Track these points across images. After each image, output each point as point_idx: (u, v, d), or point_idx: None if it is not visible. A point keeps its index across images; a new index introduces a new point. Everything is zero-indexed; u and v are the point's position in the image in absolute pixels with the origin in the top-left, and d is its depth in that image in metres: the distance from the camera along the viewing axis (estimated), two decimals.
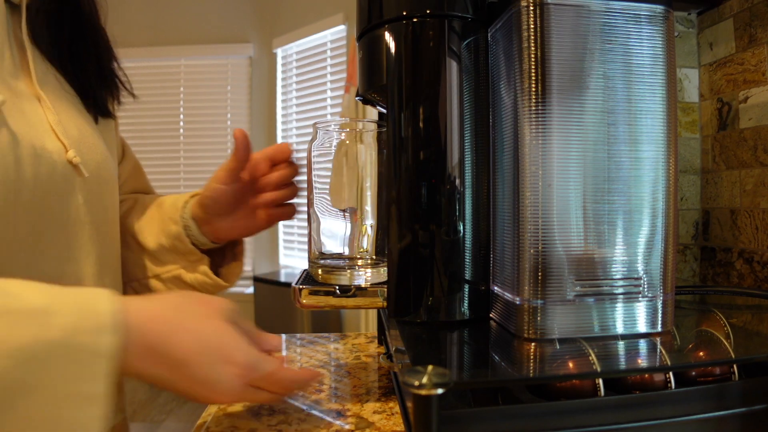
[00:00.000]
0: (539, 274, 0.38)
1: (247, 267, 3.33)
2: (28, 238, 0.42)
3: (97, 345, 0.31)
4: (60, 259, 0.45)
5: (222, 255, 0.61)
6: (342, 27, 2.62)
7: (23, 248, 0.42)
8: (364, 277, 0.49)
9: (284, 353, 0.67)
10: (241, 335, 0.38)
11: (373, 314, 2.15)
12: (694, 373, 0.35)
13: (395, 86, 0.42)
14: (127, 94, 0.57)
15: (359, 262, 0.52)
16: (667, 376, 0.34)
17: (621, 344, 0.38)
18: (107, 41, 0.54)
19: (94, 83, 0.52)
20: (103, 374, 0.31)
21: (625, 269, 0.39)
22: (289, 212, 0.58)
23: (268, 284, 2.82)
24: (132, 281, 0.59)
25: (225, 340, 0.37)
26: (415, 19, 0.42)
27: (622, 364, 0.37)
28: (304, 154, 0.53)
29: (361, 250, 0.52)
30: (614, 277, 0.39)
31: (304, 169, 0.55)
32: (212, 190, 0.54)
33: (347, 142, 0.52)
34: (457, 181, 0.42)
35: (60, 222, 0.45)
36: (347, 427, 0.43)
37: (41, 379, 0.30)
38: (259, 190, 0.56)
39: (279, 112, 3.08)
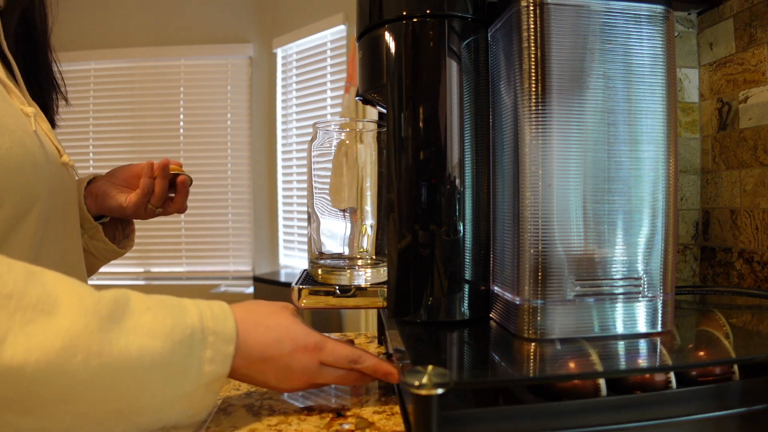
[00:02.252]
0: (539, 274, 0.38)
1: (247, 267, 3.33)
2: (37, 236, 0.45)
3: (225, 329, 0.36)
4: (59, 252, 0.50)
5: (113, 232, 0.65)
6: (342, 27, 2.62)
7: (32, 248, 0.45)
8: (364, 277, 0.49)
9: None
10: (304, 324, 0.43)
11: (373, 314, 2.15)
12: (694, 373, 0.35)
13: (395, 86, 0.42)
14: (62, 98, 0.60)
15: (359, 262, 0.52)
16: (668, 376, 0.34)
17: (621, 344, 0.38)
18: (51, 50, 0.57)
19: (50, 91, 0.57)
20: (229, 356, 0.36)
21: (625, 269, 0.39)
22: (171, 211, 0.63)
23: (268, 284, 2.82)
24: None
25: (294, 329, 0.40)
26: (415, 19, 0.42)
27: (623, 364, 0.37)
28: (304, 154, 0.53)
29: (361, 250, 0.52)
30: (614, 277, 0.39)
31: (304, 169, 0.55)
32: (111, 199, 0.59)
33: (347, 142, 0.52)
34: (457, 181, 0.42)
35: (62, 219, 0.50)
36: (347, 427, 0.43)
37: (189, 361, 0.34)
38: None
39: (279, 112, 3.08)
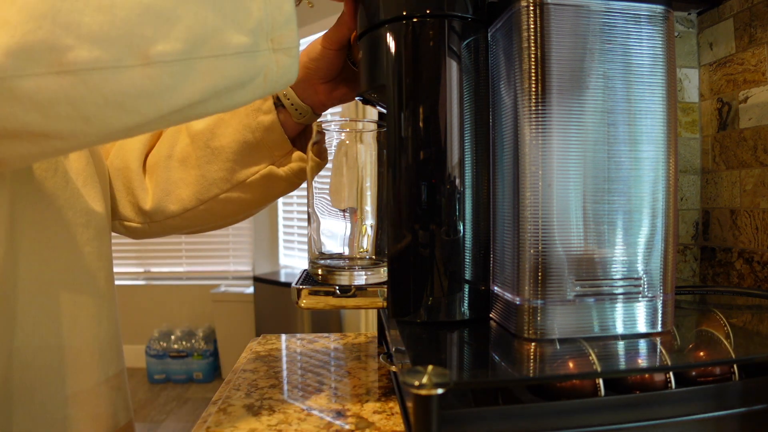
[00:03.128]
0: (539, 274, 0.38)
1: (247, 267, 3.33)
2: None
3: None
4: None
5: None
6: None
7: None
8: (364, 277, 0.49)
9: (284, 353, 0.67)
10: None
11: (373, 314, 2.15)
12: (694, 373, 0.35)
13: (395, 86, 0.42)
14: None
15: (359, 262, 0.52)
16: (668, 376, 0.34)
17: (621, 344, 0.38)
18: None
19: None
20: None
21: (625, 269, 0.39)
22: None
23: (268, 284, 2.82)
24: (201, 203, 0.56)
25: None
26: (415, 19, 0.42)
27: (623, 364, 0.37)
28: None
29: (361, 250, 0.52)
30: (614, 277, 0.39)
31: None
32: (317, 52, 0.52)
33: (347, 142, 0.52)
34: (457, 181, 0.42)
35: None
36: (347, 427, 0.43)
37: None
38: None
39: None
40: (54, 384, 0.45)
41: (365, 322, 2.28)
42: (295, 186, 0.57)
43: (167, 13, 0.29)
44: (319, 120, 0.54)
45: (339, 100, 0.55)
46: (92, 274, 0.49)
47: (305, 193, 0.54)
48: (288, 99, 0.53)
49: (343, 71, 0.54)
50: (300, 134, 0.57)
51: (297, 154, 0.55)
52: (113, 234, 0.59)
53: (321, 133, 0.52)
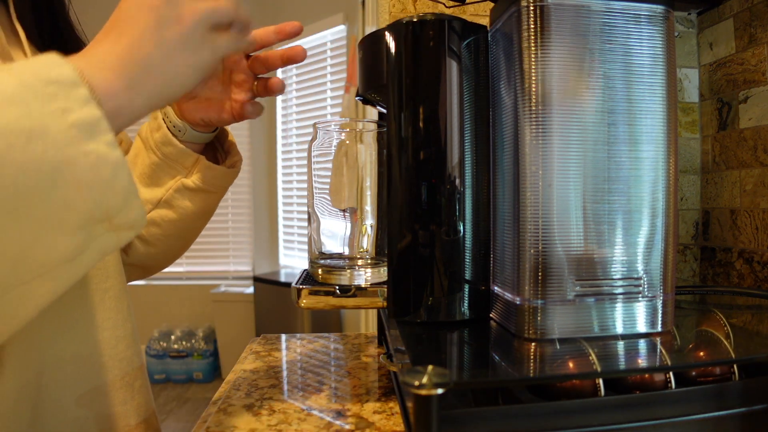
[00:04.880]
0: (539, 274, 0.38)
1: (247, 267, 3.33)
2: None
3: (59, 76, 0.28)
4: None
5: (213, 154, 0.58)
6: (342, 27, 2.62)
7: None
8: (364, 277, 0.49)
9: (284, 353, 0.67)
10: None
11: (373, 314, 2.15)
12: (694, 373, 0.35)
13: (395, 86, 0.42)
14: None
15: (359, 262, 0.52)
16: (667, 376, 0.34)
17: (621, 344, 0.38)
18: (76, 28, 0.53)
19: None
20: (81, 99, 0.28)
21: (625, 269, 0.39)
22: (257, 111, 0.52)
23: (268, 284, 2.82)
24: None
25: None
26: (415, 19, 0.42)
27: (622, 364, 0.37)
28: (304, 154, 0.53)
29: (361, 250, 0.52)
30: (614, 277, 0.39)
31: (304, 169, 0.54)
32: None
33: (347, 142, 0.52)
34: (457, 181, 0.42)
35: None
36: (347, 427, 0.43)
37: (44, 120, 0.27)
38: (235, 82, 0.51)
39: (279, 111, 3.08)
40: (79, 395, 0.46)
41: (365, 322, 2.28)
42: (211, 195, 0.56)
43: None
44: (319, 120, 0.54)
45: (201, 116, 0.52)
46: (108, 287, 0.50)
47: (305, 193, 0.54)
48: (167, 117, 0.53)
49: (207, 89, 0.51)
50: (213, 144, 0.57)
51: (202, 162, 0.54)
52: None
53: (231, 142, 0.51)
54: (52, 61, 0.29)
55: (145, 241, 0.58)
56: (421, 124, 0.42)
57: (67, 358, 0.45)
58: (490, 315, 0.45)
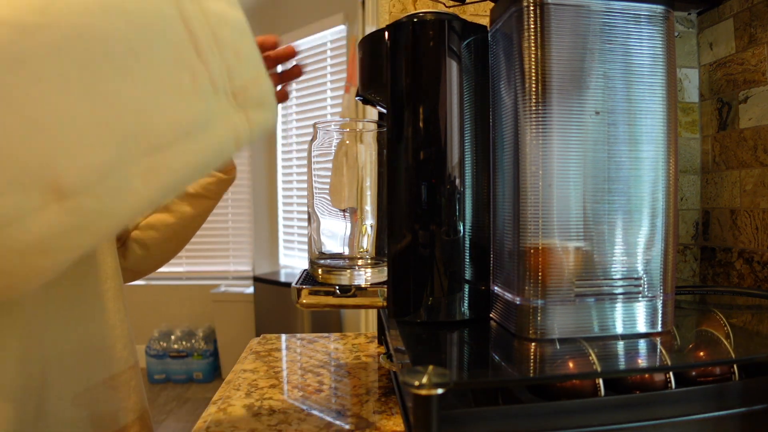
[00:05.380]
0: (539, 274, 0.38)
1: (247, 267, 3.33)
2: None
3: None
4: None
5: None
6: (342, 27, 2.62)
7: None
8: (364, 277, 0.49)
9: (284, 353, 0.67)
10: None
11: (373, 314, 2.15)
12: (694, 373, 0.35)
13: (395, 86, 0.42)
14: None
15: (359, 262, 0.52)
16: (667, 376, 0.34)
17: (621, 344, 0.38)
18: None
19: None
20: None
21: (625, 269, 0.39)
22: (286, 97, 0.52)
23: (268, 284, 2.82)
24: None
25: None
26: (415, 19, 0.42)
27: (622, 364, 0.37)
28: (304, 154, 0.53)
29: (361, 249, 0.52)
30: (614, 277, 0.39)
31: (304, 169, 0.54)
32: None
33: (347, 142, 0.52)
34: (457, 181, 0.42)
35: None
36: (347, 427, 0.43)
37: None
38: None
39: (279, 111, 3.08)
40: (79, 394, 0.46)
41: (365, 322, 2.28)
42: (209, 201, 0.57)
43: (69, 120, 0.22)
44: (319, 120, 0.54)
45: None
46: (106, 289, 0.50)
47: (305, 193, 0.54)
48: None
49: None
50: None
51: None
52: None
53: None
54: None
55: (143, 244, 0.59)
56: (421, 124, 0.42)
57: (69, 355, 0.45)
58: (490, 315, 0.45)
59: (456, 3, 0.53)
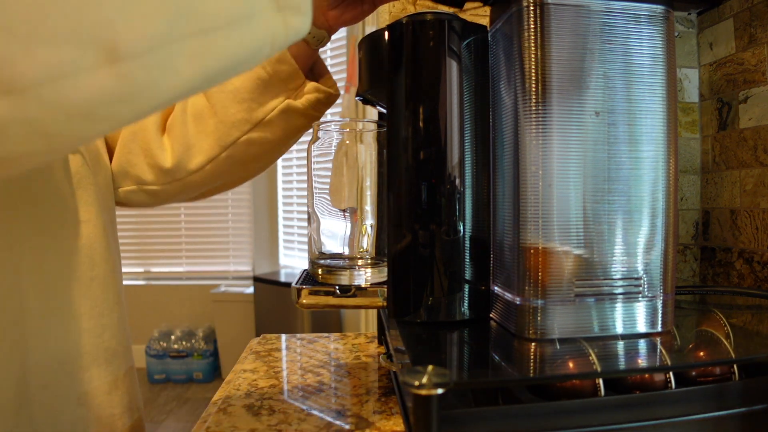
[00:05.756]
0: (539, 274, 0.38)
1: (247, 267, 3.33)
2: None
3: None
4: None
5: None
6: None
7: None
8: (364, 277, 0.49)
9: (284, 353, 0.67)
10: None
11: (373, 314, 2.15)
12: (694, 373, 0.35)
13: (395, 86, 0.42)
14: None
15: (359, 262, 0.52)
16: (667, 376, 0.34)
17: (621, 344, 0.38)
18: None
19: None
20: None
21: (625, 269, 0.39)
22: None
23: (268, 284, 2.82)
24: (223, 149, 0.54)
25: None
26: (415, 19, 0.42)
27: (622, 364, 0.37)
28: (304, 154, 0.53)
29: (361, 250, 0.52)
30: (614, 277, 0.39)
31: (304, 169, 0.54)
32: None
33: (347, 142, 0.52)
34: (457, 181, 0.42)
35: None
36: (347, 427, 0.43)
37: None
38: None
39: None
40: (65, 385, 0.46)
41: (365, 322, 2.28)
42: (312, 119, 0.55)
43: None
44: (318, 120, 0.54)
45: (349, 22, 0.54)
46: (94, 276, 0.50)
47: (305, 193, 0.54)
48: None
49: None
50: (311, 68, 0.56)
51: (311, 85, 0.54)
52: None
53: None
54: None
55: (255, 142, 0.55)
56: (421, 124, 0.42)
57: (51, 347, 0.45)
58: (490, 315, 0.45)
59: (455, 8, 0.52)
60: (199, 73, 0.26)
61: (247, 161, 0.57)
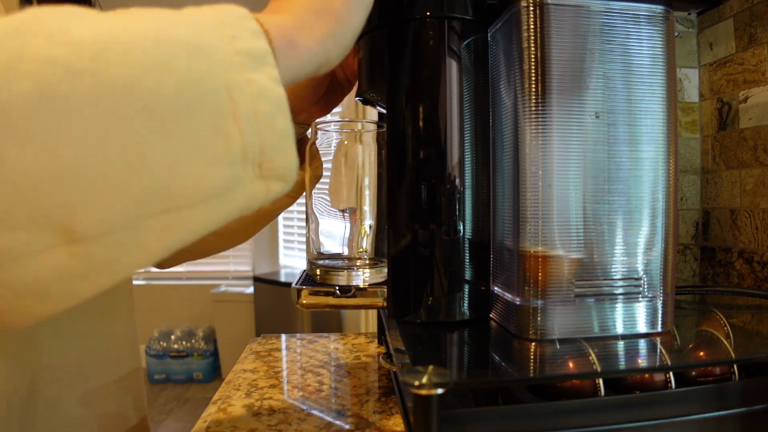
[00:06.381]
0: (539, 274, 0.38)
1: (247, 267, 3.33)
2: None
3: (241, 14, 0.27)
4: None
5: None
6: None
7: None
8: (363, 277, 0.49)
9: (284, 353, 0.67)
10: None
11: (373, 314, 2.15)
12: (694, 373, 0.35)
13: (395, 86, 0.42)
14: None
15: (358, 263, 0.52)
16: (667, 376, 0.34)
17: (621, 344, 0.38)
18: None
19: None
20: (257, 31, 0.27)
21: (625, 269, 0.39)
22: None
23: (268, 284, 2.82)
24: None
25: None
26: (415, 19, 0.42)
27: (622, 364, 0.37)
28: None
29: (361, 250, 0.52)
30: (614, 277, 0.39)
31: None
32: (310, 81, 0.51)
33: (346, 142, 0.52)
34: (457, 181, 0.42)
35: None
36: (347, 427, 0.43)
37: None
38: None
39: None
40: (72, 384, 0.46)
41: (365, 322, 2.28)
42: (292, 200, 0.58)
43: (98, 168, 0.21)
44: (318, 120, 0.54)
45: (330, 109, 0.56)
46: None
47: (304, 192, 0.54)
48: None
49: (329, 84, 0.54)
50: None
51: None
52: None
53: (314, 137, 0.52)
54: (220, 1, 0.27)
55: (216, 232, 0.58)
56: (421, 124, 0.42)
57: (61, 355, 0.45)
58: (490, 315, 0.45)
59: None
60: (168, 246, 0.25)
61: (219, 233, 0.59)
